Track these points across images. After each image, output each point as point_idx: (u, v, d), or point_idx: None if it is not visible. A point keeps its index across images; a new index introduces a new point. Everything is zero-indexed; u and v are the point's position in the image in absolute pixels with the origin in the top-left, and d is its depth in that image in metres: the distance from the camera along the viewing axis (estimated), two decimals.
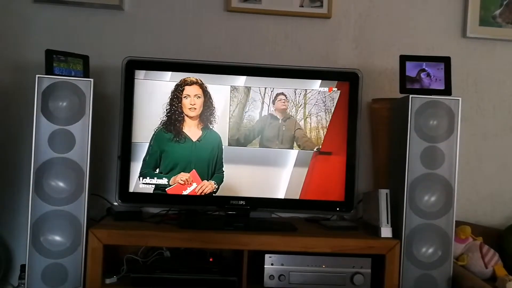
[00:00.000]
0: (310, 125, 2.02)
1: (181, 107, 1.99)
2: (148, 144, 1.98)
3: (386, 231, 1.87)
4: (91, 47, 2.10)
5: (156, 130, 1.99)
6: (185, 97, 1.99)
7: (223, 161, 2.00)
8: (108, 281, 1.85)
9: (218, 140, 2.00)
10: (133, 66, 1.98)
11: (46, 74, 1.81)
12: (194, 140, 2.00)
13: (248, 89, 2.01)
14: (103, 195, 2.14)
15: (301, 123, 2.02)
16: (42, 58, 1.82)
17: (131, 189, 1.98)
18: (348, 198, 2.02)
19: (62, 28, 2.21)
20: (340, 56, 2.30)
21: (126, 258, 1.95)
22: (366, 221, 2.06)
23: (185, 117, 2.00)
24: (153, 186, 1.99)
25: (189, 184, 1.98)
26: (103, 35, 2.22)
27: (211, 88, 2.00)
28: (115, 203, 2.04)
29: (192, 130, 2.00)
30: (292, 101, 2.02)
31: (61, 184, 1.78)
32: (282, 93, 2.02)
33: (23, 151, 2.10)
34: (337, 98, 2.03)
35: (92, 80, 1.83)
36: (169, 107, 1.99)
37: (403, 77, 1.92)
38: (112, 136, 2.11)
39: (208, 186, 1.99)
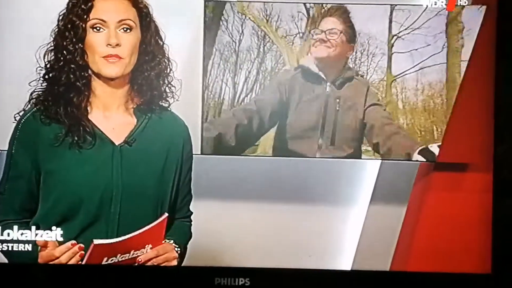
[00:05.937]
0: (408, 98, 0.91)
1: (83, 54, 0.82)
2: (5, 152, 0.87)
3: None
4: None
5: (23, 115, 0.84)
6: (95, 27, 0.80)
7: (191, 189, 0.90)
8: None
9: (179, 137, 0.91)
10: None
11: None
12: (117, 143, 0.82)
13: (248, 10, 0.89)
14: None
15: (382, 91, 0.89)
16: None
17: None
18: (500, 267, 0.91)
19: None
20: None
21: None
22: None
23: (95, 80, 0.84)
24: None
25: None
26: None
27: (159, 7, 0.84)
28: None
29: (112, 115, 0.86)
30: (359, 39, 0.89)
31: None
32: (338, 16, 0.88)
33: None
34: (474, 29, 0.90)
35: None
36: (53, 56, 0.84)
37: None
38: None
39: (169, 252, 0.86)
